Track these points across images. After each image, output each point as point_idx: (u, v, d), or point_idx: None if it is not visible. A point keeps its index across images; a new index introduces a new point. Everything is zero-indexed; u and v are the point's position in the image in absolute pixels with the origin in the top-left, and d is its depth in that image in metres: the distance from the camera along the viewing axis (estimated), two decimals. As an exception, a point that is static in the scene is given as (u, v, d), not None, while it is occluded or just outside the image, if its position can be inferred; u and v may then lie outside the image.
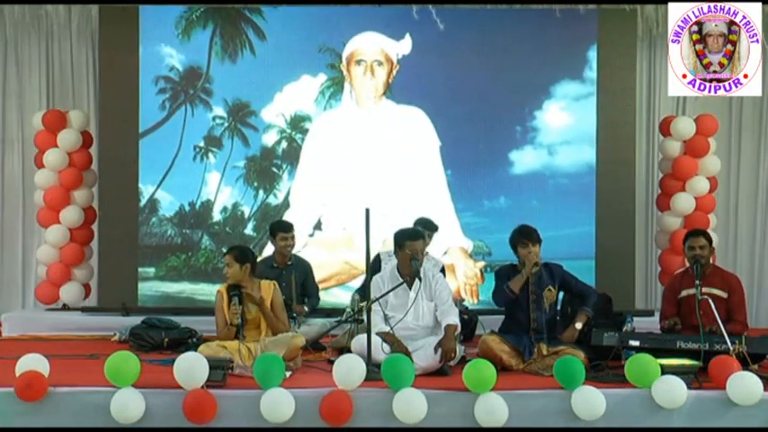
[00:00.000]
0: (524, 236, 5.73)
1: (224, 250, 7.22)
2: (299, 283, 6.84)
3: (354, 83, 8.19)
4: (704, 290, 5.70)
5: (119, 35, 8.00)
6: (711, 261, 6.02)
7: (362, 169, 8.19)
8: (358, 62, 8.16)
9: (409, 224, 6.53)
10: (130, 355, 4.83)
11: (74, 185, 7.96)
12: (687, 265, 6.12)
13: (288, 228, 6.91)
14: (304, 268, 6.98)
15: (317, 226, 8.17)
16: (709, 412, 4.82)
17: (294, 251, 7.02)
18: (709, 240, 5.89)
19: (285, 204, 8.14)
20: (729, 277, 6.02)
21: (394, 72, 8.14)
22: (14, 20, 8.53)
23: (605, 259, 7.96)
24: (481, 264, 8.09)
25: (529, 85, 8.09)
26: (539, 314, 5.64)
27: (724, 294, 5.85)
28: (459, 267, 8.07)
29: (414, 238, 5.74)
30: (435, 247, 7.24)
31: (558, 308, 5.94)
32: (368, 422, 4.73)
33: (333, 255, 8.09)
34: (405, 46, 8.10)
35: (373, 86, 8.18)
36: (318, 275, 7.39)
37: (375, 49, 8.15)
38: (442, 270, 6.63)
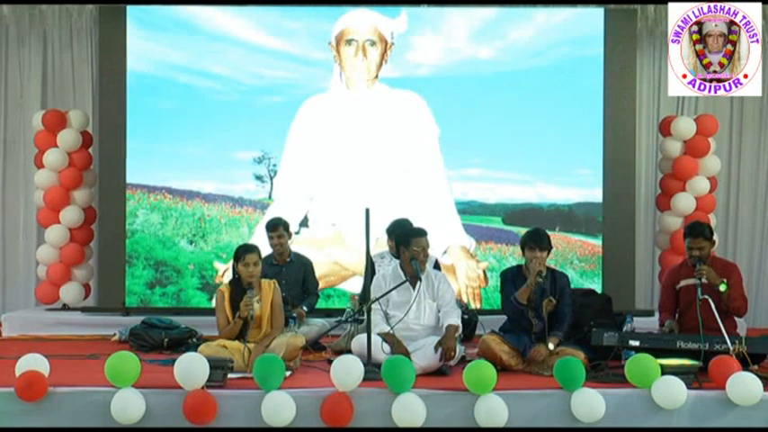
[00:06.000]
0: (533, 239, 5.68)
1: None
2: (299, 280, 6.82)
3: (344, 64, 7.81)
4: (704, 279, 5.69)
5: (117, 35, 7.99)
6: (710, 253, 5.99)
7: (353, 159, 7.82)
8: (348, 42, 7.78)
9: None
10: (130, 355, 4.83)
11: (74, 185, 7.96)
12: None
13: (272, 226, 6.80)
14: (304, 265, 6.91)
15: (304, 222, 7.85)
16: (709, 412, 4.82)
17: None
18: (710, 238, 5.87)
19: (269, 199, 7.92)
20: (727, 264, 6.02)
21: (388, 52, 7.77)
22: (14, 19, 8.52)
23: (606, 259, 7.97)
24: (484, 264, 7.85)
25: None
26: (537, 321, 5.62)
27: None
28: (460, 268, 7.76)
29: (419, 235, 5.74)
30: (433, 246, 7.05)
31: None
32: (368, 423, 4.73)
33: (321, 254, 7.65)
34: (400, 23, 7.71)
35: (365, 68, 7.78)
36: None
37: (367, 27, 7.76)
38: (437, 265, 6.60)
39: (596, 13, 8.03)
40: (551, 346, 5.42)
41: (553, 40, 8.00)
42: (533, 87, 8.01)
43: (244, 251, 5.65)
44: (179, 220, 8.03)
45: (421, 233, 5.77)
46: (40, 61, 8.62)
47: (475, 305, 7.77)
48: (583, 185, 8.05)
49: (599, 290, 7.69)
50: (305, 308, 6.69)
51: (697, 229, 5.89)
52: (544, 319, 5.57)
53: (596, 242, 8.03)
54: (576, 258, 8.00)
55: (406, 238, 5.77)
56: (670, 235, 7.97)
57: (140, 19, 7.98)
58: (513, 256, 7.83)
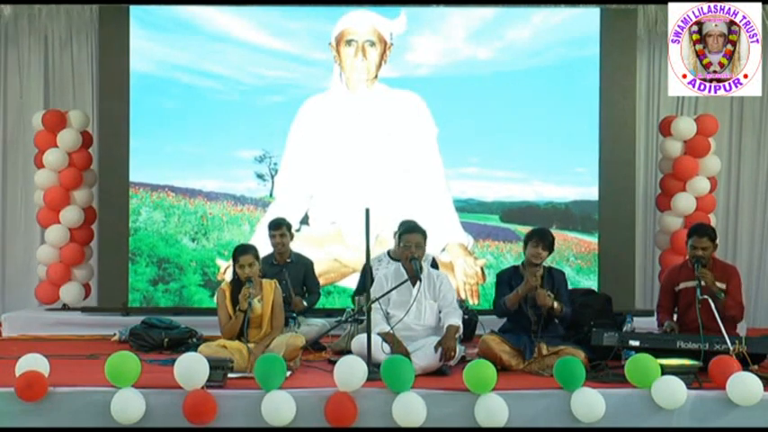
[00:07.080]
0: (538, 235, 5.75)
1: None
2: (299, 280, 6.82)
3: (344, 65, 7.89)
4: (703, 282, 5.70)
5: (119, 35, 7.98)
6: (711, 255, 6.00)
7: (353, 159, 7.89)
8: (348, 42, 7.86)
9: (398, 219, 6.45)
10: (130, 355, 4.83)
11: (74, 185, 7.96)
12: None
13: (275, 225, 6.82)
14: (304, 265, 6.92)
15: (304, 220, 7.91)
16: (709, 412, 4.83)
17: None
18: (713, 239, 5.87)
19: (270, 197, 7.97)
20: (727, 267, 6.02)
21: (387, 53, 7.85)
22: (14, 19, 8.51)
23: (606, 259, 7.97)
24: (482, 261, 7.88)
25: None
26: (537, 317, 5.64)
27: (722, 285, 5.83)
28: (458, 266, 7.80)
29: (409, 231, 5.77)
30: (432, 244, 7.10)
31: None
32: (369, 422, 4.74)
33: (321, 251, 7.72)
34: (399, 24, 7.79)
35: (365, 68, 7.86)
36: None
37: (367, 28, 7.84)
38: (434, 264, 6.63)
39: (594, 14, 8.02)
40: (556, 305, 5.54)
41: (551, 40, 8.01)
42: (531, 87, 8.01)
43: (238, 253, 5.68)
44: (181, 217, 8.03)
45: (413, 229, 5.79)
46: (41, 61, 8.61)
47: (472, 301, 7.80)
48: (579, 184, 8.05)
49: (595, 286, 7.74)
50: (305, 302, 6.71)
51: (702, 229, 5.92)
52: (543, 314, 5.60)
53: (593, 240, 8.03)
54: (573, 255, 8.01)
55: (399, 235, 5.84)
56: (670, 235, 7.97)
57: (142, 19, 7.99)
58: (510, 254, 7.85)
